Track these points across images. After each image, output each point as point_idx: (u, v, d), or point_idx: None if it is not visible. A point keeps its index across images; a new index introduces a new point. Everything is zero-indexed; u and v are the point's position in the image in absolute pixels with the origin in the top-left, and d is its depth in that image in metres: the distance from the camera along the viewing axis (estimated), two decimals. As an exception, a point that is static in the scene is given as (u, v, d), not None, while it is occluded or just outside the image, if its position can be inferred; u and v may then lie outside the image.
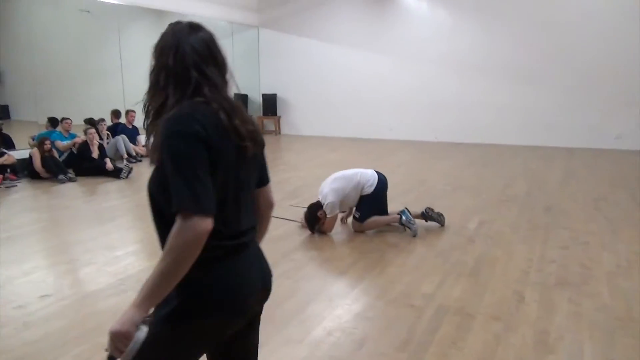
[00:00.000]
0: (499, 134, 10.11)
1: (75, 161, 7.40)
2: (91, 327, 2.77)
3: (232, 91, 1.32)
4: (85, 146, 7.37)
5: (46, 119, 8.06)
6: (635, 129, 9.02)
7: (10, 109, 10.82)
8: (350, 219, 4.59)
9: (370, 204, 4.37)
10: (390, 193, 4.54)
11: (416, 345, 2.53)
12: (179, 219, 1.10)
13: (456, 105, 10.45)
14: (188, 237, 1.10)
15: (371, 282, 3.38)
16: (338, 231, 4.51)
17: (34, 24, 8.70)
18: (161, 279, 1.11)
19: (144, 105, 1.28)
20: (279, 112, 12.32)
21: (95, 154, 7.37)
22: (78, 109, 8.94)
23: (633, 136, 9.04)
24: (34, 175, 6.92)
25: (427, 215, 4.47)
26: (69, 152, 7.59)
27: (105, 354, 1.17)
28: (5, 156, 6.74)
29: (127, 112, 9.04)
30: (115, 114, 9.10)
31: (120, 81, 9.38)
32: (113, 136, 8.45)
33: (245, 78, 12.12)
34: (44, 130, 7.94)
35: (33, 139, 7.52)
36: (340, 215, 4.60)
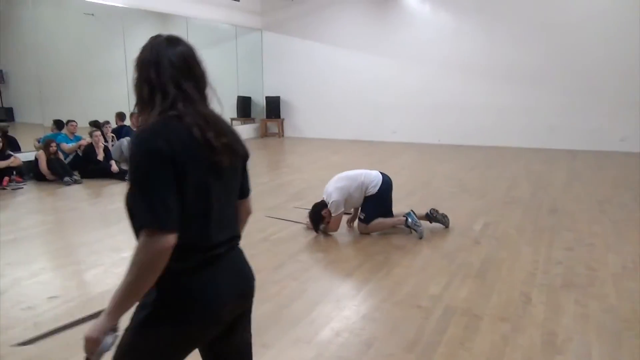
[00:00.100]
0: (502, 136, 10.12)
1: (81, 163, 7.45)
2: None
3: (213, 103, 1.33)
4: (90, 148, 7.42)
5: (52, 122, 8.12)
6: (639, 131, 9.02)
7: (15, 111, 10.88)
8: (356, 223, 4.60)
9: (375, 204, 4.38)
10: (394, 195, 4.55)
11: (424, 346, 2.55)
12: (142, 235, 1.15)
13: (459, 108, 10.47)
14: (150, 253, 1.15)
15: (378, 283, 3.39)
16: (343, 233, 4.52)
17: (38, 27, 8.74)
18: (127, 291, 1.18)
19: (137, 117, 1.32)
20: (282, 115, 12.34)
21: (100, 156, 7.42)
22: (83, 111, 8.97)
23: (637, 138, 9.04)
24: (39, 178, 6.95)
25: (431, 216, 4.49)
26: (74, 154, 7.63)
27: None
28: (11, 158, 6.77)
29: (132, 114, 9.04)
30: (120, 116, 9.14)
31: (124, 84, 9.34)
32: (118, 138, 8.48)
33: (248, 81, 12.16)
34: (49, 132, 7.99)
35: (39, 142, 7.57)
36: (345, 218, 4.61)
